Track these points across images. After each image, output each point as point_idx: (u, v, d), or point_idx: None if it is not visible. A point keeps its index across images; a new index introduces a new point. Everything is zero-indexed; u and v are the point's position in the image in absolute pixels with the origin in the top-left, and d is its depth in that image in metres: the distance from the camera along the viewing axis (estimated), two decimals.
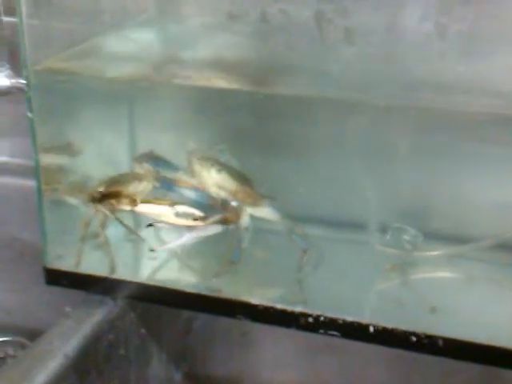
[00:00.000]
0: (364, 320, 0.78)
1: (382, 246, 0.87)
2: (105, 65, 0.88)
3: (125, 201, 0.82)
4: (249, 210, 0.83)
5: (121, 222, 0.84)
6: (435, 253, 0.87)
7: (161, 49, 0.88)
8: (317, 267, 0.85)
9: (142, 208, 0.83)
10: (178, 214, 0.81)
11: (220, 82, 0.82)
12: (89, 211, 0.85)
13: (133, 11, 0.88)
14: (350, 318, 0.78)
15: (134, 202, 0.82)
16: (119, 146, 0.96)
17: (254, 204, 0.84)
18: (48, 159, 0.89)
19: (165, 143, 0.93)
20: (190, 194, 0.85)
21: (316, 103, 0.81)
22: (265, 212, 0.84)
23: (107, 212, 0.83)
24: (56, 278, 0.89)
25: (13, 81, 1.08)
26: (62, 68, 0.85)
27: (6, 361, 1.21)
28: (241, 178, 0.84)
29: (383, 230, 0.87)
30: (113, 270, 0.87)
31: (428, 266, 0.88)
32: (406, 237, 0.87)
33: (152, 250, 0.85)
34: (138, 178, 0.85)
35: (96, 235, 0.87)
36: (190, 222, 0.81)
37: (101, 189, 0.83)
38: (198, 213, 0.81)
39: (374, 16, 0.71)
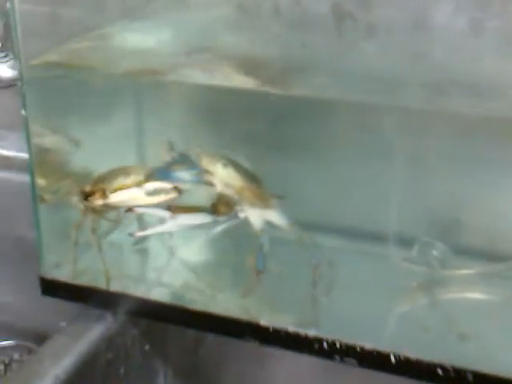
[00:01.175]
0: (384, 348, 0.70)
1: (407, 261, 0.80)
2: (110, 59, 0.81)
3: (97, 196, 0.78)
4: (257, 211, 0.77)
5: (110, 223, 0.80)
6: (466, 271, 0.79)
7: (169, 42, 0.80)
8: (332, 285, 0.77)
9: (113, 199, 0.78)
10: (149, 193, 0.76)
11: (237, 80, 0.75)
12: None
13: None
14: (368, 346, 0.71)
15: (103, 195, 0.78)
16: (123, 142, 0.90)
17: (262, 205, 0.77)
18: (46, 157, 0.84)
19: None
20: (186, 176, 0.78)
21: (334, 105, 0.74)
22: (272, 216, 0.77)
23: (90, 211, 0.79)
24: (52, 288, 0.83)
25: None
26: (60, 62, 0.78)
27: (11, 366, 1.15)
28: (248, 175, 0.77)
29: (408, 243, 0.80)
30: (107, 280, 0.81)
31: (458, 286, 0.80)
32: (434, 252, 0.79)
33: (131, 235, 0.81)
34: (125, 172, 0.79)
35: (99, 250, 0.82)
36: (166, 197, 0.76)
37: (86, 187, 0.79)
38: (168, 185, 0.76)
39: (399, 10, 0.63)
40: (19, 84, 0.76)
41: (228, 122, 0.83)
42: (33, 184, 0.80)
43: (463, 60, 0.65)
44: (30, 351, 1.16)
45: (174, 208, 0.77)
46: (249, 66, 0.73)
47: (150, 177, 0.78)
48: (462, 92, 0.66)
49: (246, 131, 0.82)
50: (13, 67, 1.02)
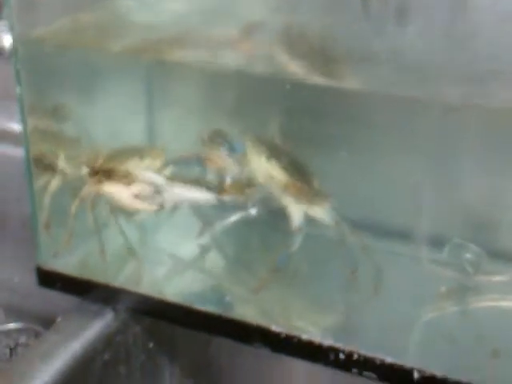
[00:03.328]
0: (407, 362, 0.63)
1: (436, 264, 0.73)
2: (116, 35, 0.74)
3: (117, 178, 0.74)
4: (303, 207, 0.72)
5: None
6: (502, 277, 0.72)
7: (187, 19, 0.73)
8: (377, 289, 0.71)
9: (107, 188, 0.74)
10: (136, 196, 0.72)
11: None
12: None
13: None
14: (389, 359, 0.64)
15: (128, 180, 0.73)
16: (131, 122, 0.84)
17: (309, 201, 0.72)
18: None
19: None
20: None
21: (364, 98, 0.67)
22: (318, 212, 0.72)
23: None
24: (49, 279, 0.77)
25: None
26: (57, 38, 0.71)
27: (16, 350, 1.11)
28: (296, 170, 0.73)
29: (438, 244, 0.73)
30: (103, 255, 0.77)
31: (492, 294, 0.73)
32: (466, 255, 0.72)
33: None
34: (139, 154, 0.76)
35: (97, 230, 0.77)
36: (152, 207, 0.72)
37: (95, 164, 0.75)
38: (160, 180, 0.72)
39: None
40: (14, 59, 0.70)
41: (268, 113, 0.77)
42: (28, 168, 0.74)
43: (509, 47, 0.56)
44: (37, 334, 1.12)
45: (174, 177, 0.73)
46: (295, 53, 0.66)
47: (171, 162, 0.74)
48: (506, 84, 0.59)
49: (284, 123, 0.76)
50: None
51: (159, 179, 0.72)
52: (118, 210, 0.74)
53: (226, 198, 0.72)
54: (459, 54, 0.58)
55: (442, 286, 0.72)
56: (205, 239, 0.80)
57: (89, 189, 0.75)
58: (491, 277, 0.73)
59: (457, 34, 0.58)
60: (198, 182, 0.72)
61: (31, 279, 1.12)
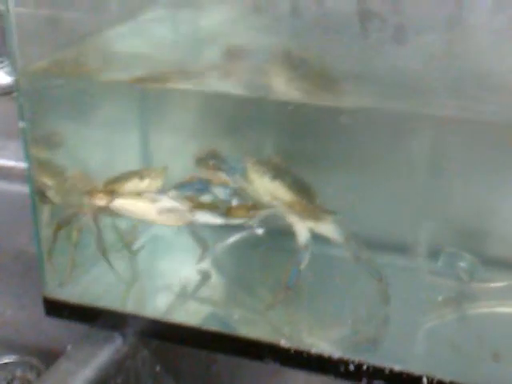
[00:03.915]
0: (415, 370, 0.65)
1: (433, 274, 0.75)
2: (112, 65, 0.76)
3: (102, 195, 0.74)
4: (309, 225, 0.73)
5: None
6: (497, 284, 0.75)
7: (178, 47, 0.75)
8: (388, 302, 0.73)
9: (118, 203, 0.74)
10: (161, 212, 0.72)
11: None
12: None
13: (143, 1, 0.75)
14: (398, 368, 0.66)
15: (109, 197, 0.74)
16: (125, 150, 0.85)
17: (314, 219, 0.73)
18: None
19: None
20: (221, 193, 0.75)
21: (359, 114, 0.69)
22: (327, 229, 0.73)
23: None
24: (56, 309, 0.78)
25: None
26: (57, 70, 0.73)
27: (13, 383, 1.11)
28: (299, 188, 0.74)
29: (434, 255, 0.76)
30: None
31: (488, 300, 0.75)
32: (461, 264, 0.75)
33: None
34: (139, 175, 0.76)
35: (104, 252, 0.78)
36: (177, 219, 0.73)
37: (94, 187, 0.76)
38: (182, 207, 0.73)
39: (431, 9, 0.58)
40: (16, 94, 0.71)
41: (267, 134, 0.79)
42: (33, 202, 0.75)
43: (500, 64, 0.59)
44: (32, 367, 1.12)
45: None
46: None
47: (175, 187, 0.74)
48: (496, 98, 0.61)
49: (282, 142, 0.77)
50: (10, 73, 0.96)
51: (171, 202, 0.73)
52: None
53: (234, 220, 0.73)
54: (455, 70, 0.61)
55: (440, 295, 0.75)
56: (207, 261, 0.81)
57: (96, 204, 0.75)
58: (486, 284, 0.75)
59: (453, 51, 0.60)
60: (206, 206, 0.73)
61: (24, 313, 1.14)
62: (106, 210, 0.76)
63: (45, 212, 0.81)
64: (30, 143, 0.74)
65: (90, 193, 0.75)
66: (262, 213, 0.73)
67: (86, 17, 0.74)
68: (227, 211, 0.73)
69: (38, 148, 0.79)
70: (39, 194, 0.80)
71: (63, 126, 0.80)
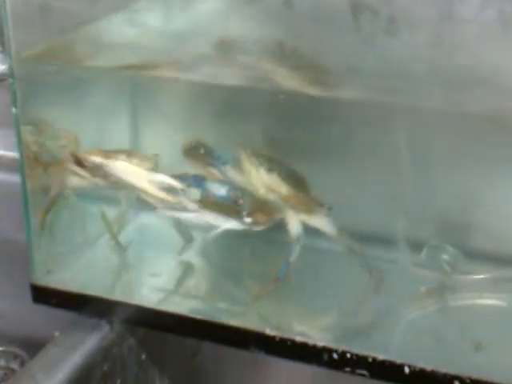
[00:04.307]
0: (398, 359, 0.67)
1: (416, 266, 0.76)
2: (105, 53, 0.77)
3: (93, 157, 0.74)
4: (302, 217, 0.74)
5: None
6: (478, 276, 0.76)
7: (168, 36, 0.76)
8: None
9: (112, 167, 0.73)
10: (153, 182, 0.72)
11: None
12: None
13: None
14: (381, 356, 0.67)
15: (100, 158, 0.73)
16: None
17: (309, 212, 0.74)
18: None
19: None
20: (217, 189, 0.74)
21: (349, 106, 0.70)
22: (320, 222, 0.74)
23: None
24: (44, 296, 0.78)
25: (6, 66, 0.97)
26: (50, 57, 0.73)
27: None
28: (295, 181, 0.74)
29: (417, 247, 0.76)
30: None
31: (470, 292, 0.76)
32: (444, 256, 0.76)
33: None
34: (127, 153, 0.75)
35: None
36: (168, 197, 0.72)
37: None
38: (179, 185, 0.72)
39: (423, 2, 0.59)
40: (10, 80, 0.71)
41: (264, 125, 0.79)
42: (24, 188, 0.75)
43: (489, 57, 0.61)
44: (16, 357, 1.12)
45: (204, 203, 0.72)
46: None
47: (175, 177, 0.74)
48: (486, 91, 0.63)
49: (273, 133, 0.78)
50: (2, 61, 0.97)
51: (190, 204, 0.72)
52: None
53: (257, 228, 0.73)
54: (446, 63, 0.62)
55: (423, 286, 0.76)
56: (193, 251, 0.82)
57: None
58: (468, 276, 0.76)
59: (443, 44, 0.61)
60: (230, 211, 0.72)
61: (7, 302, 1.14)
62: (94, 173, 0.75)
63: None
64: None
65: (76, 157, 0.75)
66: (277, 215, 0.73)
67: (79, 5, 0.74)
68: (249, 217, 0.72)
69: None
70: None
71: (54, 112, 0.80)
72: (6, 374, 1.09)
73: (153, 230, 0.80)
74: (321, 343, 0.69)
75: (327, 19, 0.63)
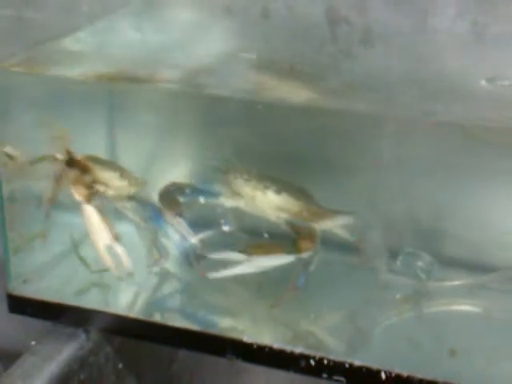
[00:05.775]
0: (374, 364, 0.67)
1: (392, 273, 0.77)
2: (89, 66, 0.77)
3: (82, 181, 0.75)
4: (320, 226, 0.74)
5: None
6: (453, 283, 0.77)
7: (142, 48, 0.76)
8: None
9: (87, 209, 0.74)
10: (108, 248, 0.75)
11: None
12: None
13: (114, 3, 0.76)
14: (357, 363, 0.68)
15: (90, 189, 0.74)
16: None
17: (320, 220, 0.74)
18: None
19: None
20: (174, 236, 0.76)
21: (324, 116, 0.70)
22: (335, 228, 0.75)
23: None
24: (20, 305, 0.78)
25: None
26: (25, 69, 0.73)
27: None
28: (303, 195, 0.74)
29: (393, 254, 0.77)
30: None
31: (444, 299, 0.77)
32: (419, 263, 0.77)
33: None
34: (121, 172, 0.76)
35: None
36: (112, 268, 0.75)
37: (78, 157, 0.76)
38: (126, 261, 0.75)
39: (398, 14, 0.60)
40: None
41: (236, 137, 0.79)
42: (0, 199, 0.75)
43: (463, 67, 0.62)
44: None
45: (250, 249, 0.72)
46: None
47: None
48: (455, 101, 0.64)
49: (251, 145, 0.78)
50: None
51: (238, 256, 0.72)
52: None
53: (306, 254, 0.72)
54: (419, 73, 0.63)
55: (399, 293, 0.77)
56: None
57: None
58: (442, 282, 0.77)
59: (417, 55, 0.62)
60: (276, 249, 0.72)
61: None
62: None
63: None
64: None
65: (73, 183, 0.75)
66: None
67: (57, 17, 0.74)
68: (295, 247, 0.72)
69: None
70: None
71: (30, 124, 0.79)
72: None
73: (129, 241, 0.80)
74: (298, 350, 0.70)
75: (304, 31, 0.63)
